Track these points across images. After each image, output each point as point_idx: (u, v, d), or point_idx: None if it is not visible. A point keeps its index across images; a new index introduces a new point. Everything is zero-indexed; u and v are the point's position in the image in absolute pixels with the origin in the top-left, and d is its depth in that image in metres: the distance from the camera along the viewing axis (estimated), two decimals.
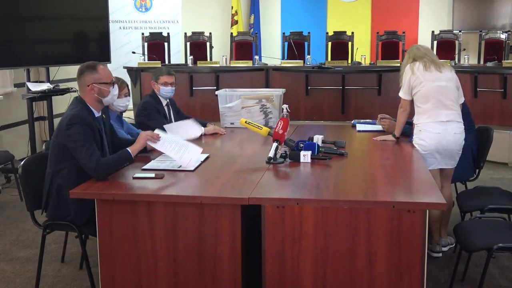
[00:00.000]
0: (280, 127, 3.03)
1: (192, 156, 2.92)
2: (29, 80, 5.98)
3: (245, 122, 3.22)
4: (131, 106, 6.38)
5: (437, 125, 3.39)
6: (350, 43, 8.01)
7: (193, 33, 8.16)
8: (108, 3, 7.06)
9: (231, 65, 7.34)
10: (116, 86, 3.05)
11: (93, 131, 2.85)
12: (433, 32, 7.98)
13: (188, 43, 8.10)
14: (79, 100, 2.95)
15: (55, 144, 2.89)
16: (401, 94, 3.62)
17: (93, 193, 2.55)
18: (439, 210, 3.22)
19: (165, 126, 3.64)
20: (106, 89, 2.96)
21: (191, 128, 3.87)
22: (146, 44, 7.88)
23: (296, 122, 5.00)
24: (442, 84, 3.44)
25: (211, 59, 8.00)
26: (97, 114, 2.99)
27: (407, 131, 3.82)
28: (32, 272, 3.43)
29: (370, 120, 4.44)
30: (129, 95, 3.80)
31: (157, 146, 2.92)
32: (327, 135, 3.65)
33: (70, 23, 6.53)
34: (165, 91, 4.16)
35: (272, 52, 8.59)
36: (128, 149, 2.82)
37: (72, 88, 6.09)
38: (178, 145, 2.93)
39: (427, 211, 2.31)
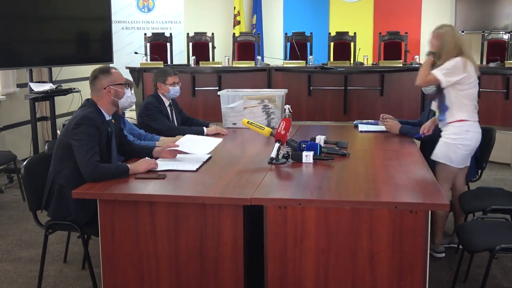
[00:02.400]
0: (282, 128, 3.03)
1: (193, 161, 3.00)
2: (31, 81, 5.99)
3: (247, 122, 3.22)
4: (133, 106, 6.40)
5: (478, 125, 3.47)
6: (352, 44, 8.00)
7: (196, 33, 8.16)
8: (111, 3, 7.06)
9: (234, 65, 7.34)
10: (129, 88, 3.09)
11: (100, 134, 2.87)
12: None
13: (190, 44, 8.10)
14: (91, 102, 2.98)
15: (61, 143, 2.91)
16: (439, 75, 3.36)
17: (95, 193, 2.56)
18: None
19: (179, 142, 3.30)
20: (121, 90, 3.02)
21: (206, 143, 3.54)
22: (148, 44, 7.88)
23: (298, 122, 5.00)
24: (478, 88, 3.50)
25: (213, 59, 8.00)
26: (107, 117, 3.01)
27: (409, 132, 3.82)
28: (34, 272, 3.44)
29: (373, 121, 4.43)
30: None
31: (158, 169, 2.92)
32: (329, 136, 3.65)
33: (73, 24, 6.54)
34: (174, 91, 4.19)
35: (274, 53, 8.58)
36: (128, 166, 2.81)
37: (74, 89, 6.11)
38: (177, 161, 3.05)
39: (429, 210, 2.31)
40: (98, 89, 2.98)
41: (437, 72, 3.36)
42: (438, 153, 3.46)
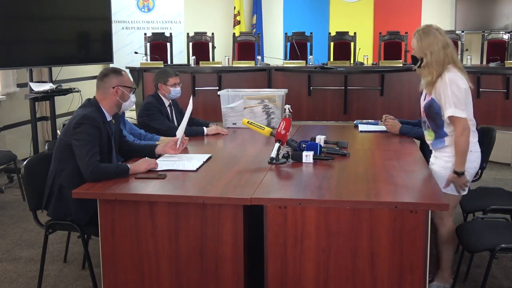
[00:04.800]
0: (282, 128, 3.03)
1: (193, 162, 3.00)
2: (31, 80, 5.99)
3: (248, 122, 3.22)
4: (133, 106, 6.40)
5: (478, 145, 3.04)
6: (352, 44, 8.01)
7: (196, 33, 8.17)
8: (111, 3, 7.07)
9: (234, 65, 7.34)
10: (134, 94, 3.13)
11: (101, 134, 2.88)
12: None
13: (190, 44, 8.11)
14: (92, 102, 2.98)
15: (61, 143, 2.91)
16: (453, 111, 2.83)
17: (95, 193, 2.55)
18: (451, 232, 3.01)
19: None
20: (127, 93, 3.04)
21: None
22: (148, 44, 7.89)
23: (298, 122, 5.00)
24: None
25: (213, 59, 8.01)
26: (109, 118, 3.02)
27: (409, 131, 3.81)
28: (34, 272, 3.44)
29: (373, 121, 4.43)
30: None
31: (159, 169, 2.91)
32: (329, 136, 3.65)
33: (73, 23, 6.54)
34: (175, 92, 4.19)
35: (274, 53, 8.59)
36: (129, 166, 2.79)
37: (74, 88, 6.11)
38: (177, 161, 3.04)
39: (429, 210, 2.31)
40: (106, 87, 2.99)
41: (452, 112, 2.83)
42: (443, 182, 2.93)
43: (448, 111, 2.85)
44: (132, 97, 3.10)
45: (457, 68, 2.95)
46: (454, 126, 2.88)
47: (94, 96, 3.02)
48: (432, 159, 3.10)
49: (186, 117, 3.33)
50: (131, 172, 2.77)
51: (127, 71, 7.02)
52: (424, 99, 3.05)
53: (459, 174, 2.89)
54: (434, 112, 2.94)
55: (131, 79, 6.93)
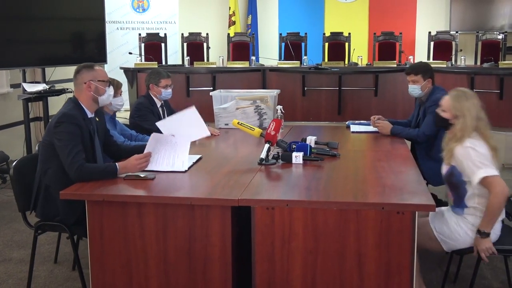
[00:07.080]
0: (272, 128, 3.03)
1: (183, 159, 2.94)
2: (25, 81, 5.98)
3: (238, 123, 3.22)
4: (127, 106, 6.39)
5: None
6: (347, 44, 8.02)
7: (190, 33, 8.17)
8: (105, 4, 7.06)
9: (228, 65, 7.34)
10: (111, 87, 3.10)
11: (82, 132, 2.85)
12: (429, 33, 7.99)
13: (185, 44, 8.11)
14: (72, 100, 2.98)
15: (45, 143, 2.90)
16: (485, 172, 2.58)
17: (83, 194, 2.55)
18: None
19: (159, 124, 3.18)
20: (102, 87, 3.00)
21: (196, 128, 3.35)
22: (143, 44, 7.88)
23: (292, 122, 5.00)
24: None
25: (208, 59, 8.00)
26: (90, 115, 2.99)
27: (400, 132, 3.82)
28: (24, 273, 3.43)
29: (365, 121, 4.43)
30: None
31: (149, 168, 2.86)
32: (321, 136, 3.65)
33: (67, 24, 6.53)
34: (166, 94, 4.21)
35: (269, 53, 8.59)
36: (117, 165, 2.76)
37: (68, 89, 6.10)
38: (167, 154, 2.95)
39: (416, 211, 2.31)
40: (79, 83, 2.98)
41: (486, 171, 2.58)
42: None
43: (479, 173, 2.57)
44: (109, 91, 3.04)
45: (482, 136, 2.77)
46: (490, 188, 2.56)
47: (74, 94, 3.02)
48: (449, 214, 2.83)
49: (177, 118, 3.30)
50: (120, 171, 2.75)
51: (121, 71, 7.03)
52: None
53: (482, 234, 2.59)
54: (455, 180, 2.73)
55: (125, 77, 6.96)
